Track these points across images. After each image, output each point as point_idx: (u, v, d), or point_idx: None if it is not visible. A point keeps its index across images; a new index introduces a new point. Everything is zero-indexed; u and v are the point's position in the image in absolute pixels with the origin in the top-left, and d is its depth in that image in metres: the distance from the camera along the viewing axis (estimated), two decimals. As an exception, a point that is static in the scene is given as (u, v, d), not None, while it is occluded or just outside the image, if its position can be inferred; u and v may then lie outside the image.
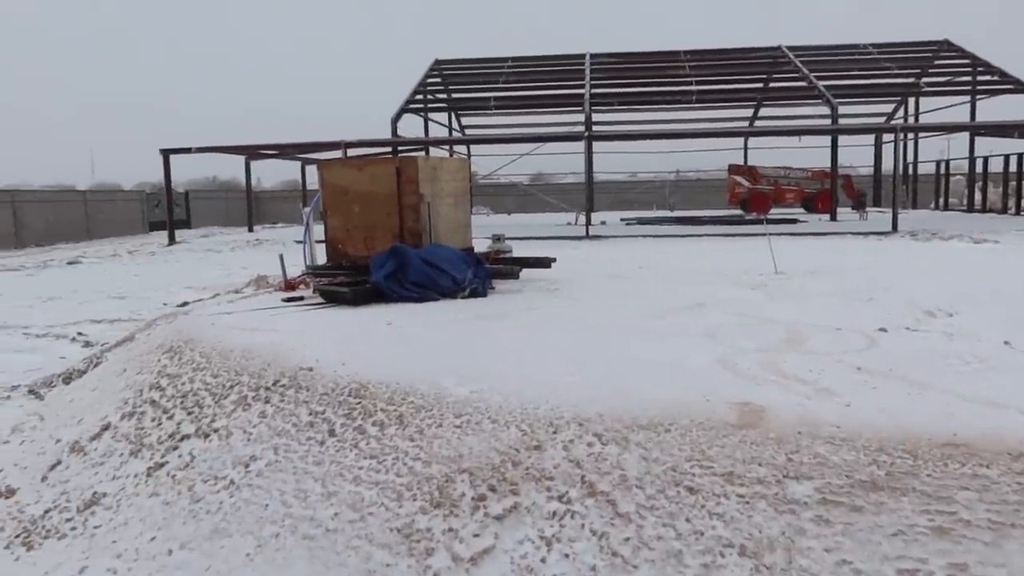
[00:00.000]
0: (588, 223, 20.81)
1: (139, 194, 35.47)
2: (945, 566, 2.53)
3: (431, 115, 30.04)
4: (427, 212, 8.22)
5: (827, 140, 24.71)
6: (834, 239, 16.62)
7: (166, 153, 24.29)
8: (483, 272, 7.92)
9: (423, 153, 23.82)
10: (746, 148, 32.11)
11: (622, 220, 26.23)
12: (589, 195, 22.30)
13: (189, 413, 4.57)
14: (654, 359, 4.59)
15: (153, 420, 4.68)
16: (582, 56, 28.79)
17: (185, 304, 10.28)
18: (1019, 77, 24.39)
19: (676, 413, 3.50)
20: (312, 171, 28.77)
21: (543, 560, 2.87)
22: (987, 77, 25.86)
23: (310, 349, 5.06)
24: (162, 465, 4.16)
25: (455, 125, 32.64)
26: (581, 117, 25.11)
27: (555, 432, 3.48)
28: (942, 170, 31.00)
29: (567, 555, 2.87)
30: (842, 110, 24.70)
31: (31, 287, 13.67)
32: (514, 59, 29.66)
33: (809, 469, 3.00)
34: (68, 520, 3.96)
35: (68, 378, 6.55)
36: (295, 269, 9.20)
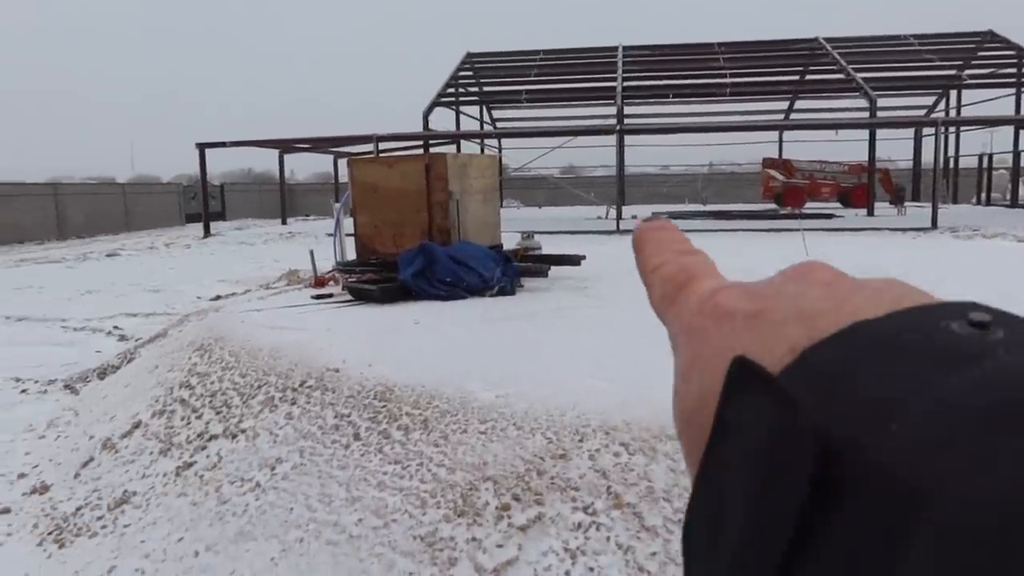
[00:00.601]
0: (619, 217, 20.67)
1: (176, 187, 36.06)
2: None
3: (462, 108, 30.05)
4: (456, 209, 8.20)
5: (865, 134, 24.24)
6: (871, 235, 16.29)
7: (202, 147, 24.60)
8: (511, 270, 7.89)
9: (453, 148, 23.85)
10: (781, 141, 31.64)
11: (654, 214, 25.96)
12: (620, 189, 22.14)
13: (217, 413, 4.60)
14: (683, 364, 4.51)
15: (183, 419, 4.72)
16: (614, 48, 28.55)
17: (218, 298, 10.41)
18: (1067, 68, 23.69)
19: (705, 423, 3.43)
20: (345, 164, 28.97)
21: (567, 573, 2.83)
22: (1033, 68, 25.16)
23: (337, 349, 5.07)
24: (190, 465, 4.20)
25: (486, 118, 32.62)
26: (613, 110, 24.93)
27: (581, 440, 3.44)
28: (984, 164, 30.24)
29: (592, 569, 2.82)
30: (881, 103, 24.21)
31: (71, 279, 13.95)
32: (546, 52, 29.52)
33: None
34: (99, 518, 4.01)
35: (103, 373, 6.66)
36: (326, 263, 9.25)
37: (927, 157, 29.46)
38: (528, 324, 6.06)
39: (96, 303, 10.98)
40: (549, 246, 10.83)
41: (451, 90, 27.96)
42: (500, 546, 3.00)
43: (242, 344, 5.51)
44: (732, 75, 26.96)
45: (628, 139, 22.83)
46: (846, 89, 25.63)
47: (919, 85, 28.57)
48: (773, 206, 28.03)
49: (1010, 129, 26.83)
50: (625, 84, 25.98)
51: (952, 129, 29.68)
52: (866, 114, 23.04)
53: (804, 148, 29.73)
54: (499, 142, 30.85)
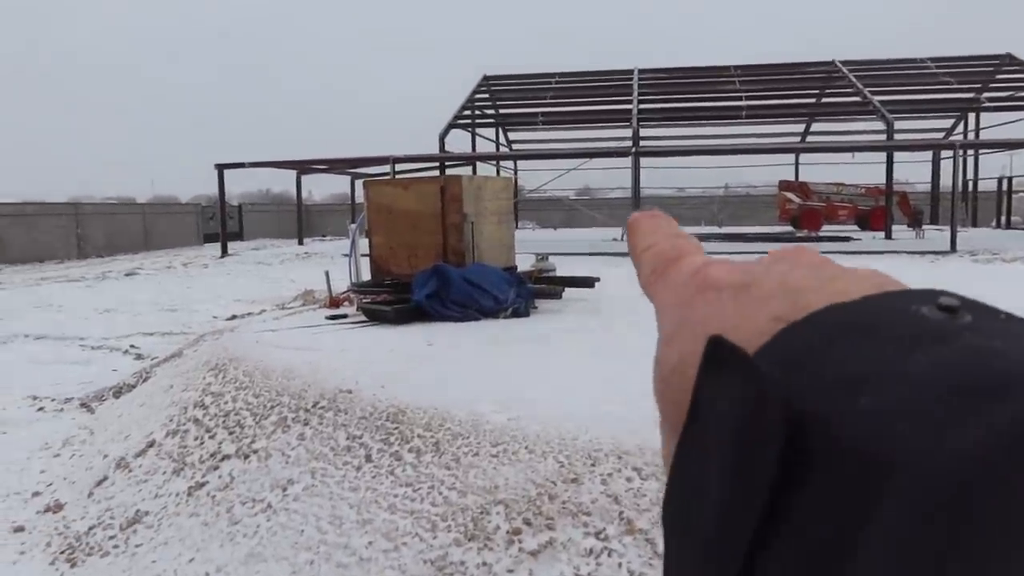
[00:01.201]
0: (634, 240, 20.60)
1: (195, 207, 36.45)
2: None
3: (479, 130, 30.26)
4: (471, 231, 8.23)
5: (882, 156, 24.14)
6: (889, 258, 16.16)
7: (221, 168, 24.89)
8: (525, 292, 7.88)
9: (470, 169, 23.97)
10: (797, 164, 31.56)
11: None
12: (636, 212, 22.10)
13: (230, 433, 4.61)
14: (697, 388, 4.48)
15: (196, 439, 4.73)
16: (630, 71, 28.70)
17: (233, 318, 10.48)
18: (1087, 92, 23.53)
19: (719, 448, 3.39)
20: (361, 186, 29.19)
21: (578, 600, 2.80)
22: (1052, 92, 25.01)
23: (350, 370, 5.08)
24: (203, 485, 4.20)
25: (502, 140, 32.81)
26: (629, 132, 25.02)
27: (593, 465, 3.41)
28: (1004, 188, 30.00)
29: (603, 596, 2.79)
30: (898, 125, 24.12)
31: (90, 298, 14.10)
32: (561, 75, 29.72)
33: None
34: (111, 538, 4.02)
35: (118, 392, 6.70)
36: (341, 284, 9.29)
37: (945, 180, 29.31)
38: (541, 346, 6.04)
39: (114, 322, 11.08)
40: (564, 268, 10.83)
41: (468, 112, 28.18)
42: (511, 571, 2.97)
43: (256, 364, 5.54)
44: (748, 98, 27.00)
45: (644, 161, 22.87)
46: (863, 112, 25.58)
47: (937, 108, 28.47)
48: (790, 229, 27.90)
49: (1029, 152, 26.64)
50: (641, 106, 26.08)
51: (971, 152, 29.52)
52: (883, 137, 22.94)
53: (821, 171, 29.65)
54: (515, 164, 31.00)
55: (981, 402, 0.18)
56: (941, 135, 29.91)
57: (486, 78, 29.64)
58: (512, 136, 33.36)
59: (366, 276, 9.17)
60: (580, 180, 46.40)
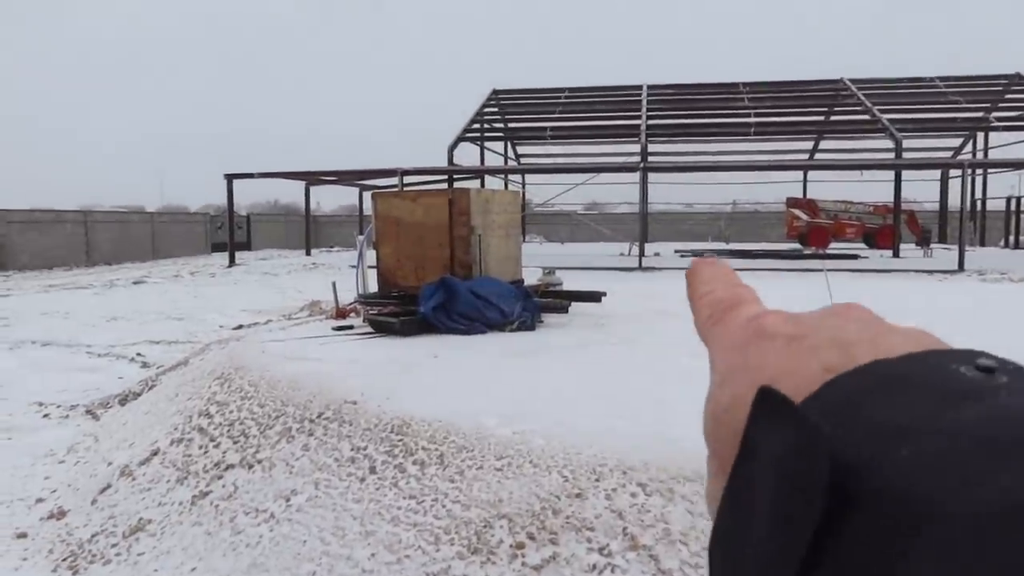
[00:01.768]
0: (641, 255, 20.64)
1: (203, 216, 36.63)
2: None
3: (487, 144, 30.36)
4: (478, 244, 8.24)
5: (890, 174, 24.11)
6: (896, 277, 16.11)
7: (230, 178, 25.03)
8: (532, 305, 7.88)
9: (478, 182, 24.03)
10: (805, 181, 31.56)
11: (676, 252, 25.96)
12: (643, 227, 22.15)
13: (235, 442, 4.61)
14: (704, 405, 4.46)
15: (200, 447, 4.73)
16: (639, 87, 28.80)
17: (240, 328, 10.50)
18: (1097, 112, 23.48)
19: (724, 465, 3.38)
20: (370, 197, 29.30)
21: (580, 616, 2.78)
22: (1062, 112, 24.97)
23: (356, 381, 5.08)
24: (206, 494, 4.19)
25: (511, 154, 32.91)
26: (637, 148, 25.07)
27: (598, 480, 3.40)
28: (1013, 207, 29.91)
29: (606, 612, 2.77)
30: (907, 144, 24.12)
31: (97, 306, 14.16)
32: (571, 90, 29.85)
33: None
34: (113, 546, 4.01)
35: (124, 400, 6.72)
36: (348, 295, 9.31)
37: (954, 199, 29.25)
38: (547, 360, 6.03)
39: (121, 330, 11.12)
40: (570, 282, 10.82)
41: (476, 126, 28.30)
42: (513, 586, 2.96)
43: (261, 374, 5.54)
44: (757, 115, 27.05)
45: (651, 176, 22.89)
46: (871, 130, 25.60)
47: (945, 127, 28.47)
48: (797, 246, 27.86)
49: (1039, 172, 26.57)
50: (649, 122, 26.15)
51: (979, 171, 29.48)
52: (892, 155, 22.93)
53: (829, 188, 29.64)
54: (523, 178, 31.07)
55: (1013, 457, 0.19)
56: (950, 154, 29.88)
57: (495, 92, 29.78)
58: (520, 150, 33.47)
59: (373, 288, 9.18)
60: (588, 195, 46.53)
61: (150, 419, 5.62)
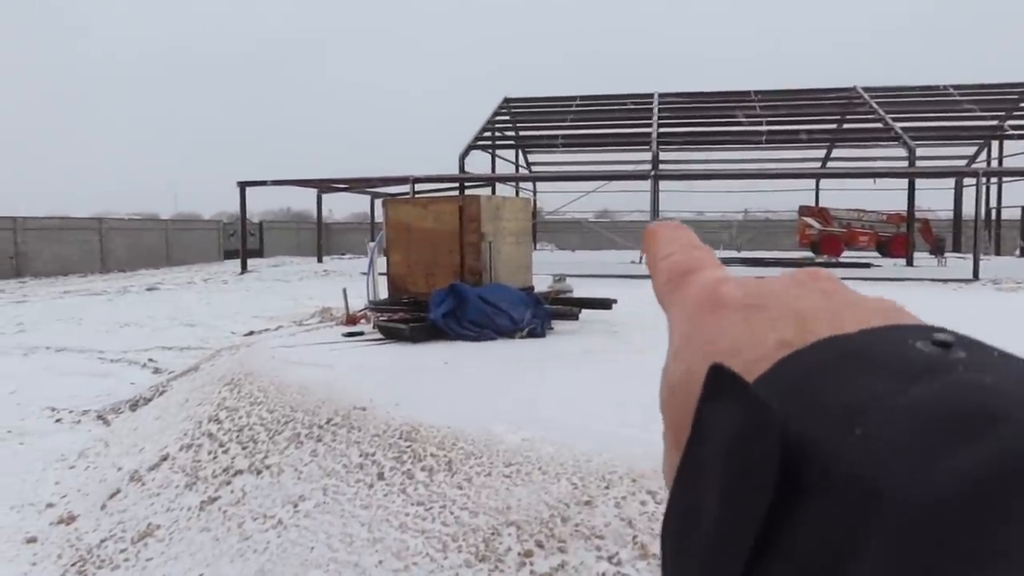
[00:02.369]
0: (652, 263, 20.55)
1: (216, 223, 36.84)
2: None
3: (498, 152, 30.41)
4: (488, 251, 8.24)
5: (904, 183, 23.98)
6: (910, 286, 15.99)
7: (243, 185, 25.17)
8: (542, 312, 7.86)
9: (488, 190, 24.06)
10: (818, 189, 31.42)
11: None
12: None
13: (244, 448, 4.61)
14: (714, 412, 4.42)
15: (209, 453, 4.74)
16: (650, 95, 28.79)
17: (251, 334, 10.53)
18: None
19: (735, 473, 3.34)
20: (381, 205, 29.40)
21: (589, 625, 2.75)
22: (1078, 120, 24.75)
23: (365, 387, 5.07)
24: (215, 500, 4.19)
25: (522, 162, 32.94)
26: (648, 156, 25.03)
27: (607, 487, 3.37)
28: (1028, 216, 29.64)
29: (614, 621, 2.74)
30: (920, 152, 23.97)
31: (111, 312, 14.24)
32: (582, 98, 29.87)
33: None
34: (122, 551, 4.01)
35: (135, 405, 6.74)
36: (359, 302, 9.32)
37: (968, 208, 29.02)
38: (557, 367, 6.01)
39: (133, 336, 11.17)
40: (581, 290, 10.80)
41: (488, 134, 28.35)
42: (521, 594, 2.93)
43: (271, 380, 5.54)
44: (768, 123, 26.96)
45: (663, 184, 22.85)
46: (884, 138, 25.45)
47: (959, 135, 28.28)
48: (809, 254, 27.72)
49: (1054, 181, 26.34)
50: (661, 130, 26.12)
51: (994, 180, 29.25)
52: (905, 164, 22.78)
53: (842, 197, 29.49)
54: (534, 185, 31.10)
55: (967, 435, 0.19)
56: (964, 163, 29.68)
57: (507, 100, 29.84)
58: (532, 158, 33.50)
59: (384, 294, 9.19)
60: (598, 203, 46.50)
61: (160, 424, 5.63)
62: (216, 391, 5.69)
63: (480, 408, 4.53)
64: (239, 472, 4.36)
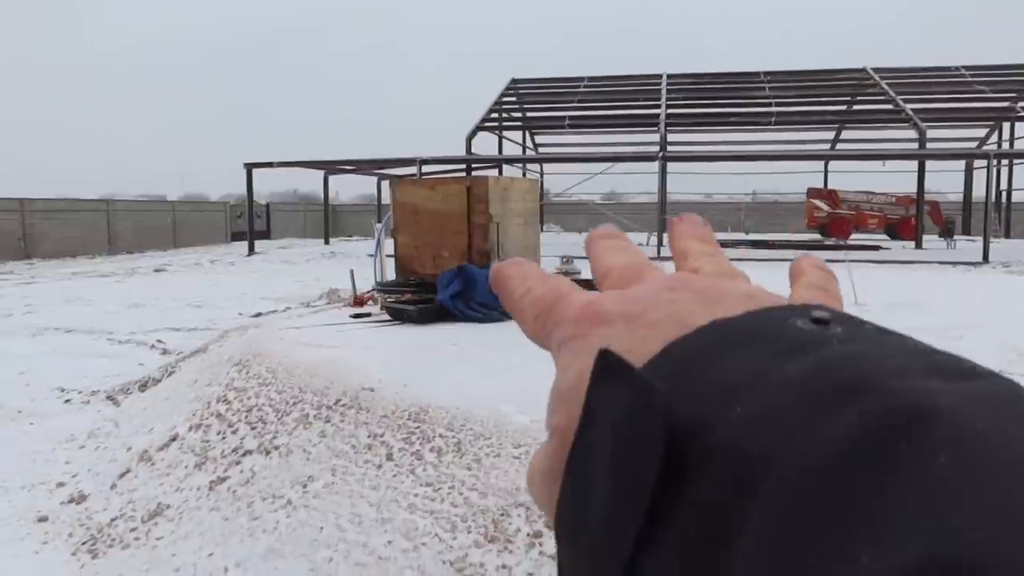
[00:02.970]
0: (660, 244, 20.51)
1: (223, 205, 36.85)
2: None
3: (505, 133, 30.26)
4: (496, 232, 8.21)
5: (913, 165, 23.78)
6: (919, 268, 15.90)
7: (250, 167, 25.14)
8: (550, 294, 7.83)
9: (495, 172, 23.97)
10: (826, 171, 31.21)
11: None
12: (662, 217, 22.00)
13: (253, 428, 4.62)
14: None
15: (218, 433, 4.75)
16: (659, 76, 28.57)
17: (259, 315, 10.55)
18: None
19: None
20: (388, 186, 29.37)
21: (599, 606, 2.75)
22: (1091, 101, 24.47)
23: (373, 368, 5.06)
24: (224, 480, 4.20)
25: (529, 143, 32.80)
26: (656, 137, 24.89)
27: (616, 469, 3.36)
28: (1039, 198, 29.39)
29: (624, 602, 2.74)
30: (931, 134, 23.75)
31: (119, 293, 14.28)
32: (590, 79, 29.66)
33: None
34: (132, 530, 4.03)
35: (144, 386, 6.76)
36: (366, 283, 9.31)
37: (978, 190, 28.79)
38: (565, 349, 5.99)
39: (141, 317, 11.20)
40: (588, 271, 10.76)
41: (495, 115, 28.21)
42: (531, 574, 2.93)
43: (280, 360, 5.54)
44: (777, 104, 26.74)
45: (671, 166, 22.73)
46: (895, 120, 25.23)
47: (971, 117, 28.01)
48: (818, 236, 27.60)
49: (1067, 163, 26.08)
50: (669, 112, 25.94)
51: (1005, 162, 28.99)
52: (915, 145, 22.58)
53: (851, 178, 29.29)
54: (541, 167, 30.97)
55: (840, 402, 0.20)
56: (975, 144, 29.41)
57: (514, 81, 29.66)
58: (539, 139, 33.34)
59: (391, 276, 9.18)
60: (606, 184, 46.33)
61: (169, 405, 5.64)
62: (225, 372, 5.69)
63: (489, 389, 4.52)
64: (248, 452, 4.37)
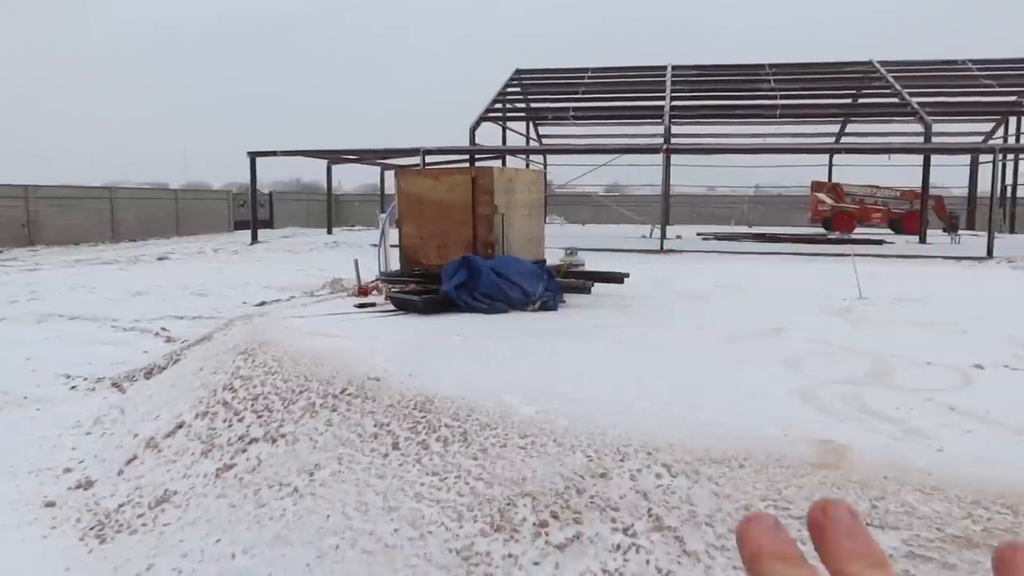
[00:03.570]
0: (663, 237, 20.48)
1: (226, 194, 36.79)
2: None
3: (509, 124, 30.16)
4: (501, 223, 8.20)
5: (918, 159, 23.70)
6: (924, 263, 15.87)
7: (253, 156, 25.10)
8: (554, 286, 7.84)
9: (499, 163, 23.92)
10: (831, 165, 31.10)
11: (699, 235, 25.75)
12: (665, 209, 21.96)
13: (259, 416, 4.63)
14: (729, 388, 4.41)
15: (224, 421, 4.76)
16: (663, 68, 28.45)
17: (263, 304, 10.56)
18: None
19: (751, 447, 3.34)
20: (391, 176, 29.34)
21: (605, 595, 2.76)
22: (1098, 96, 24.33)
23: (378, 358, 5.07)
24: (230, 467, 4.22)
25: (533, 134, 32.70)
26: (660, 129, 24.80)
27: (622, 460, 3.37)
28: (1044, 193, 29.27)
29: (630, 592, 2.75)
30: (936, 128, 23.64)
31: (122, 281, 14.30)
32: (594, 70, 29.54)
33: (895, 519, 2.80)
34: (139, 516, 4.06)
35: (149, 373, 6.78)
36: (369, 274, 9.32)
37: (984, 185, 28.68)
38: (569, 341, 6.00)
39: (145, 305, 11.22)
40: (592, 264, 10.76)
41: (498, 106, 28.11)
42: (536, 563, 2.95)
43: (285, 349, 5.56)
44: (782, 97, 26.61)
45: (674, 158, 22.65)
46: (900, 113, 25.11)
47: (977, 111, 27.85)
48: (821, 230, 27.54)
49: (1072, 158, 25.96)
50: (673, 103, 25.84)
51: (1010, 157, 28.87)
52: (921, 139, 22.49)
53: (855, 172, 29.19)
54: (544, 158, 30.89)
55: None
56: (980, 139, 29.28)
57: (518, 71, 29.55)
58: (543, 130, 33.24)
59: (395, 266, 9.18)
60: (609, 176, 46.21)
61: (175, 392, 5.66)
62: (230, 360, 5.71)
63: (494, 380, 4.53)
64: (254, 440, 4.39)
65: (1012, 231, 29.25)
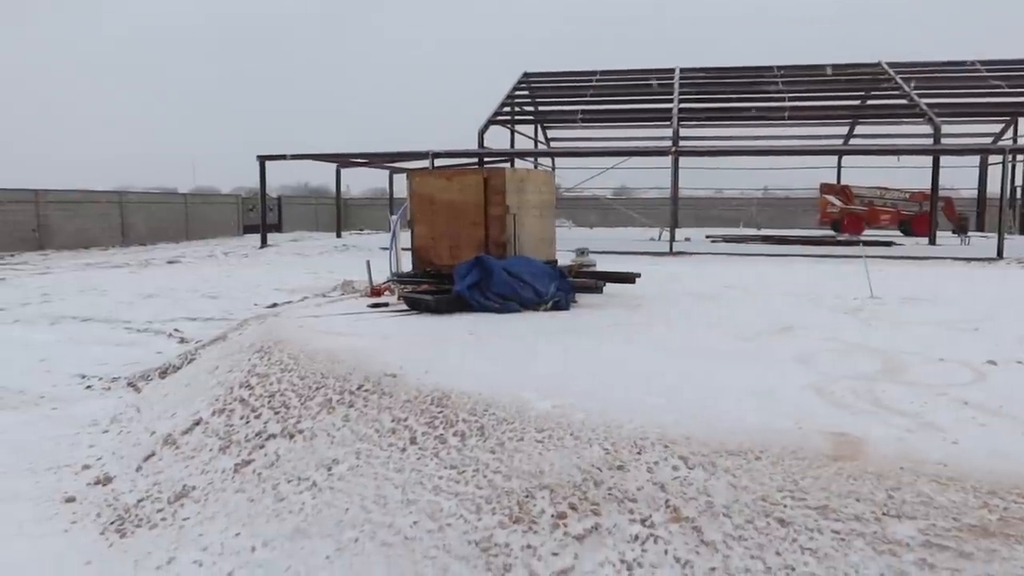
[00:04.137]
0: (672, 239, 20.49)
1: (235, 198, 36.96)
2: (1067, 625, 2.32)
3: (517, 127, 30.23)
4: (512, 223, 8.24)
5: (928, 160, 23.64)
6: (933, 264, 15.84)
7: (262, 159, 25.23)
8: (566, 285, 7.87)
9: (507, 165, 23.98)
10: (840, 167, 31.05)
11: (707, 237, 25.75)
12: (674, 211, 21.96)
13: (276, 413, 4.68)
14: (743, 383, 4.43)
15: (242, 418, 4.81)
16: (671, 70, 28.47)
17: (275, 306, 10.62)
18: None
19: (767, 440, 3.36)
20: (400, 180, 29.46)
21: (624, 585, 2.78)
22: (1109, 97, 24.23)
23: (393, 355, 5.11)
24: (249, 463, 4.26)
25: (541, 138, 32.76)
26: (668, 132, 24.82)
27: (639, 453, 3.39)
28: (1054, 195, 29.14)
29: (649, 582, 2.77)
30: (945, 129, 23.58)
31: (134, 284, 14.40)
32: (602, 72, 29.58)
33: (912, 508, 2.82)
34: (159, 511, 4.10)
35: (164, 372, 6.84)
36: (381, 275, 9.36)
37: (993, 186, 28.59)
38: (583, 339, 6.03)
39: (157, 307, 11.30)
40: (601, 265, 10.78)
41: (507, 109, 28.18)
42: (555, 554, 2.97)
43: (301, 348, 5.60)
44: (791, 99, 26.60)
45: (682, 161, 22.67)
46: (909, 115, 25.06)
47: (986, 112, 27.80)
48: (830, 232, 27.49)
49: (1083, 159, 25.85)
50: (681, 106, 25.86)
51: (1020, 157, 28.75)
52: (930, 141, 22.44)
53: (864, 174, 29.13)
54: (552, 161, 30.93)
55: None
56: (990, 140, 29.19)
57: (526, 75, 29.61)
58: (551, 133, 33.30)
59: (406, 267, 9.23)
60: (617, 179, 46.22)
61: (191, 391, 5.71)
62: (246, 358, 5.76)
63: (509, 376, 4.56)
64: (272, 436, 4.43)
65: (1022, 232, 29.13)
